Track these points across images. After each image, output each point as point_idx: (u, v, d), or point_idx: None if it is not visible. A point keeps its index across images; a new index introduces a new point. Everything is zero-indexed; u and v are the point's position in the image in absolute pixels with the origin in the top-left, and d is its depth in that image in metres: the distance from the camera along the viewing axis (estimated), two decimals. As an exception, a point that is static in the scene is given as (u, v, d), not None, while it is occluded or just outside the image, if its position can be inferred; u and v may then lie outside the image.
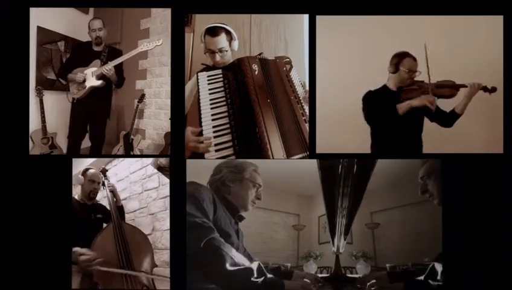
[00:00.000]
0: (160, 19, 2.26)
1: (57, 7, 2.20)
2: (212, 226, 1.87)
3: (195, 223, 1.86)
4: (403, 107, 2.11)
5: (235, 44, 2.16)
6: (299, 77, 2.17)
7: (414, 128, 2.15)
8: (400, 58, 2.12)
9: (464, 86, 2.10)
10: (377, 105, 2.14)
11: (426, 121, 2.15)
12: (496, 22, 2.10)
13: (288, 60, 2.20)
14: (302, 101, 2.07)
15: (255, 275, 1.83)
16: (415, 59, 2.11)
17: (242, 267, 1.84)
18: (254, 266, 1.86)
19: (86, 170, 2.17)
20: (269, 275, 1.87)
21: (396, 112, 2.10)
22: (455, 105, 2.11)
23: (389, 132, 2.14)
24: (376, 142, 2.14)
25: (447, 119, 2.14)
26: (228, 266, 1.80)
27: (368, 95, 2.15)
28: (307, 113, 2.06)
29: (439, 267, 1.92)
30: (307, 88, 2.12)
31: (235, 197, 2.01)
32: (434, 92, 2.11)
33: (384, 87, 2.18)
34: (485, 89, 2.09)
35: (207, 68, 2.19)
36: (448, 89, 2.13)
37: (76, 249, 1.99)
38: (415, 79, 2.13)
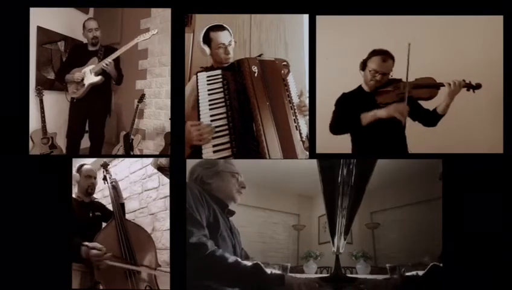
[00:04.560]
0: (160, 19, 2.26)
1: (57, 7, 2.20)
2: (204, 240, 1.82)
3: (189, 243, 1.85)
4: (367, 117, 2.01)
5: (233, 39, 2.16)
6: (295, 83, 2.14)
7: (394, 127, 2.06)
8: (370, 55, 2.05)
9: (442, 84, 2.01)
10: (347, 110, 2.05)
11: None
12: (496, 22, 2.10)
13: (286, 63, 2.16)
14: (295, 107, 2.06)
15: (254, 272, 1.81)
16: (384, 60, 2.02)
17: (241, 266, 1.81)
18: (253, 264, 1.84)
19: (81, 166, 2.16)
20: (269, 272, 1.83)
21: (359, 122, 2.02)
22: (437, 104, 2.05)
23: (368, 136, 2.06)
24: (356, 145, 2.11)
25: (430, 118, 2.06)
26: (227, 272, 1.79)
27: (341, 99, 2.09)
28: (299, 121, 2.05)
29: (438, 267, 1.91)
30: (303, 98, 2.09)
31: (219, 192, 1.98)
32: (411, 94, 2.00)
33: (359, 88, 2.13)
34: (468, 87, 2.00)
35: (206, 69, 2.18)
36: (427, 89, 2.02)
37: (86, 243, 1.97)
38: (391, 78, 2.05)
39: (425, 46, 2.09)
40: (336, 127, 2.07)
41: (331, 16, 2.11)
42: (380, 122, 2.02)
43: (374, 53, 2.05)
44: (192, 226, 1.85)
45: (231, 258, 1.81)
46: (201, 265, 1.80)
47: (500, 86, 2.09)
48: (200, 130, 1.95)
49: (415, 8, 2.10)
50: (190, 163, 2.04)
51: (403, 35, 2.09)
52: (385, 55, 2.03)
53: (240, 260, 1.83)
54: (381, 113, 2.01)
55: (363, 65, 2.08)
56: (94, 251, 1.95)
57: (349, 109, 2.07)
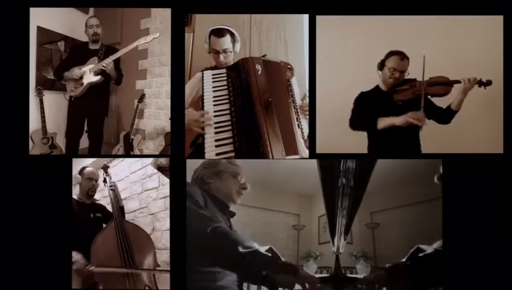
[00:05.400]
0: (160, 19, 2.26)
1: (57, 7, 2.20)
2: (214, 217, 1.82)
3: (197, 213, 1.83)
4: (383, 122, 2.09)
5: (238, 46, 2.17)
6: (299, 87, 2.18)
7: (410, 127, 2.10)
8: (388, 56, 2.12)
9: (457, 81, 2.07)
10: (367, 109, 2.12)
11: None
12: (496, 22, 2.10)
13: (290, 66, 2.21)
14: (297, 107, 2.10)
15: (270, 257, 1.74)
16: (402, 59, 2.09)
17: (255, 249, 1.74)
18: (265, 249, 1.76)
19: (83, 168, 2.17)
20: (283, 259, 1.77)
21: (375, 125, 2.09)
22: (451, 101, 2.09)
23: (385, 133, 2.11)
24: (372, 141, 2.14)
25: (444, 116, 2.12)
26: (240, 249, 1.71)
27: (359, 97, 2.14)
28: (301, 120, 2.09)
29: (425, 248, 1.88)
30: (306, 100, 2.12)
31: (218, 193, 1.96)
32: (426, 91, 2.08)
33: (377, 87, 2.17)
34: (480, 83, 2.06)
35: (211, 68, 2.20)
36: (442, 86, 2.09)
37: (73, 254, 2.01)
38: (406, 78, 2.11)
39: (424, 46, 2.08)
40: (355, 124, 2.14)
41: (331, 16, 2.11)
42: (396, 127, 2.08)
43: (391, 53, 2.11)
44: (195, 205, 1.86)
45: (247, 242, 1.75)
46: (208, 235, 1.74)
47: (500, 86, 2.09)
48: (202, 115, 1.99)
49: (415, 8, 2.10)
50: (190, 163, 2.04)
51: (403, 35, 2.11)
52: (402, 55, 2.10)
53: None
54: (398, 120, 2.07)
55: (381, 65, 2.14)
56: (76, 265, 2.00)
57: (367, 107, 2.13)
